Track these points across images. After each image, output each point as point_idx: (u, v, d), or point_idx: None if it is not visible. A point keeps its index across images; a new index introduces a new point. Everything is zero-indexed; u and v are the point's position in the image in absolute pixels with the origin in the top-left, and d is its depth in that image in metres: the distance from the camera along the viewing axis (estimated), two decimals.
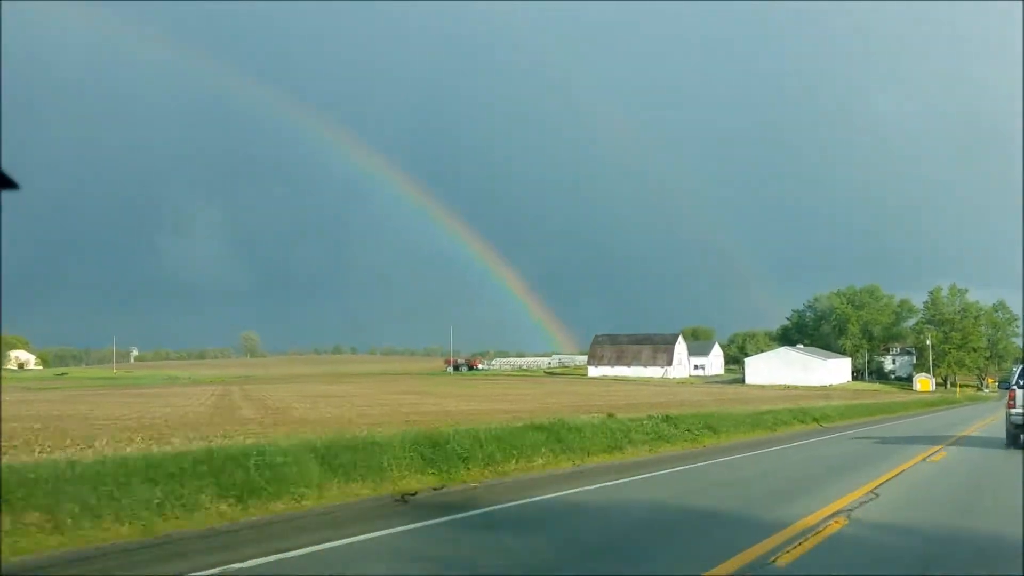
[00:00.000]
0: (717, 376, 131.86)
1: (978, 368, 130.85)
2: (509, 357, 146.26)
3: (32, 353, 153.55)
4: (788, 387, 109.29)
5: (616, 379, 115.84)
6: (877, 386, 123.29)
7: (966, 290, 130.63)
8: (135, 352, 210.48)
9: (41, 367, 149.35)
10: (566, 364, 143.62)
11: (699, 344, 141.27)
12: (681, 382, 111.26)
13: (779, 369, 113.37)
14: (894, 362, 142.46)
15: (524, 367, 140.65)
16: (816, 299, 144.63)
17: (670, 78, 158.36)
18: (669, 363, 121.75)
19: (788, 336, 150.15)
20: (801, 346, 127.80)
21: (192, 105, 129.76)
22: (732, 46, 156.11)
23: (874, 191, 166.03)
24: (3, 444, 13.12)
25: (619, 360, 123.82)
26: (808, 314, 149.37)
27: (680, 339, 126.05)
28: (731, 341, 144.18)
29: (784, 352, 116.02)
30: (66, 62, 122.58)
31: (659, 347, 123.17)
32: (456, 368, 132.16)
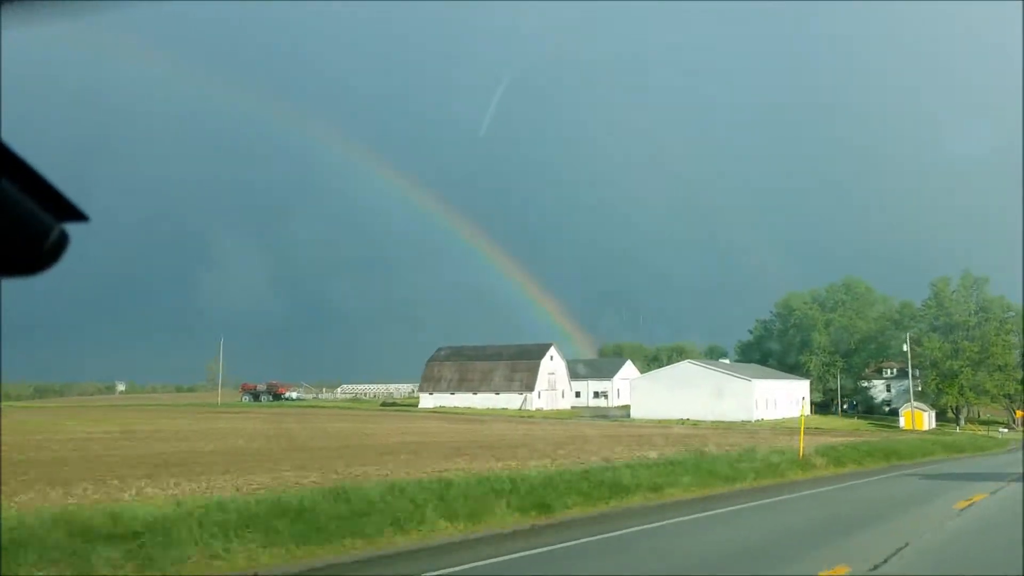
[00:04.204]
0: (620, 407, 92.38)
1: (1006, 396, 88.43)
2: (360, 384, 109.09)
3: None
4: (686, 421, 69.83)
5: (445, 412, 77.94)
6: (846, 422, 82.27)
7: (986, 279, 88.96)
8: (121, 387, 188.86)
9: None
10: None
11: (607, 363, 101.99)
12: (510, 415, 72.94)
13: (681, 395, 73.90)
14: (888, 388, 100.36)
15: (374, 396, 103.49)
16: (786, 300, 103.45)
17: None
18: (530, 387, 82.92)
19: (749, 353, 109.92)
20: (728, 361, 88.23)
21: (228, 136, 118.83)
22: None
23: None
24: None
25: (462, 383, 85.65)
26: (776, 324, 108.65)
27: (553, 354, 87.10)
28: (653, 359, 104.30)
29: (687, 370, 76.54)
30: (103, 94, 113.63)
31: (518, 365, 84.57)
32: (256, 397, 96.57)
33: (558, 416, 74.74)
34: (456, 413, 73.98)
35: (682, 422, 69.81)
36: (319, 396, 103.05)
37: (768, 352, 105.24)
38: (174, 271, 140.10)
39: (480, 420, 62.87)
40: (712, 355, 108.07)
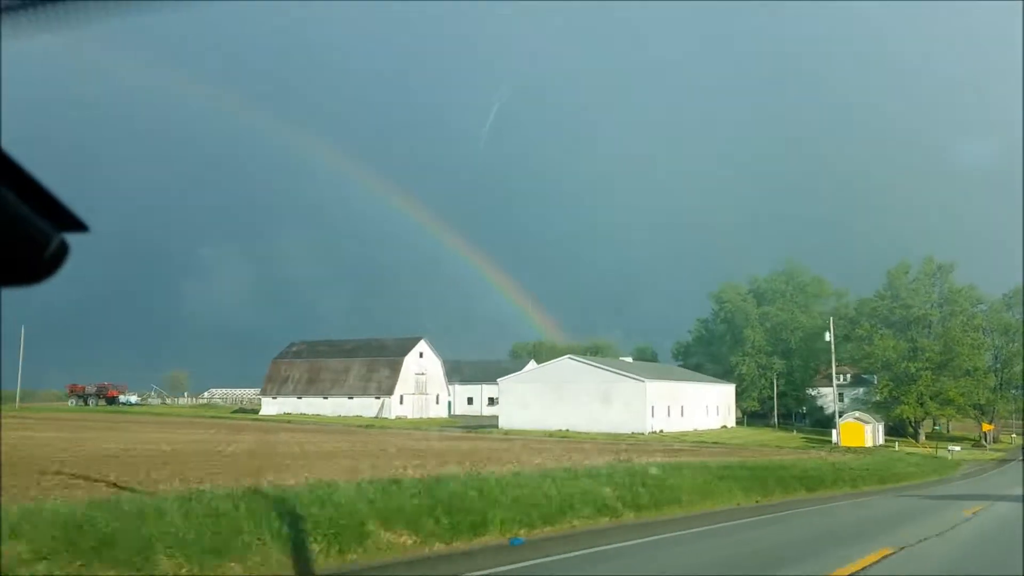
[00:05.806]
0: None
1: (975, 406, 73.10)
2: (226, 388, 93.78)
3: None
4: (559, 432, 54.51)
5: (265, 420, 62.70)
6: (776, 435, 67.19)
7: (952, 266, 73.84)
8: None
9: None
10: None
11: (510, 363, 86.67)
12: (358, 424, 57.69)
13: (562, 399, 58.79)
14: (841, 397, 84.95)
15: (234, 400, 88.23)
16: (719, 292, 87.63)
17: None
18: (388, 391, 67.54)
19: (688, 355, 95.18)
20: (630, 359, 73.32)
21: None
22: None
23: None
24: None
25: (312, 385, 70.29)
26: (713, 322, 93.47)
27: (424, 350, 71.73)
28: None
29: (568, 368, 61.31)
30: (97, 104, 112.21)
31: (377, 363, 69.23)
32: (84, 400, 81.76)
33: (405, 426, 59.35)
34: (277, 421, 58.74)
35: (550, 434, 54.65)
36: (166, 401, 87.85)
37: (707, 354, 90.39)
38: (135, 281, 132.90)
39: (274, 430, 47.64)
40: (641, 356, 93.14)
